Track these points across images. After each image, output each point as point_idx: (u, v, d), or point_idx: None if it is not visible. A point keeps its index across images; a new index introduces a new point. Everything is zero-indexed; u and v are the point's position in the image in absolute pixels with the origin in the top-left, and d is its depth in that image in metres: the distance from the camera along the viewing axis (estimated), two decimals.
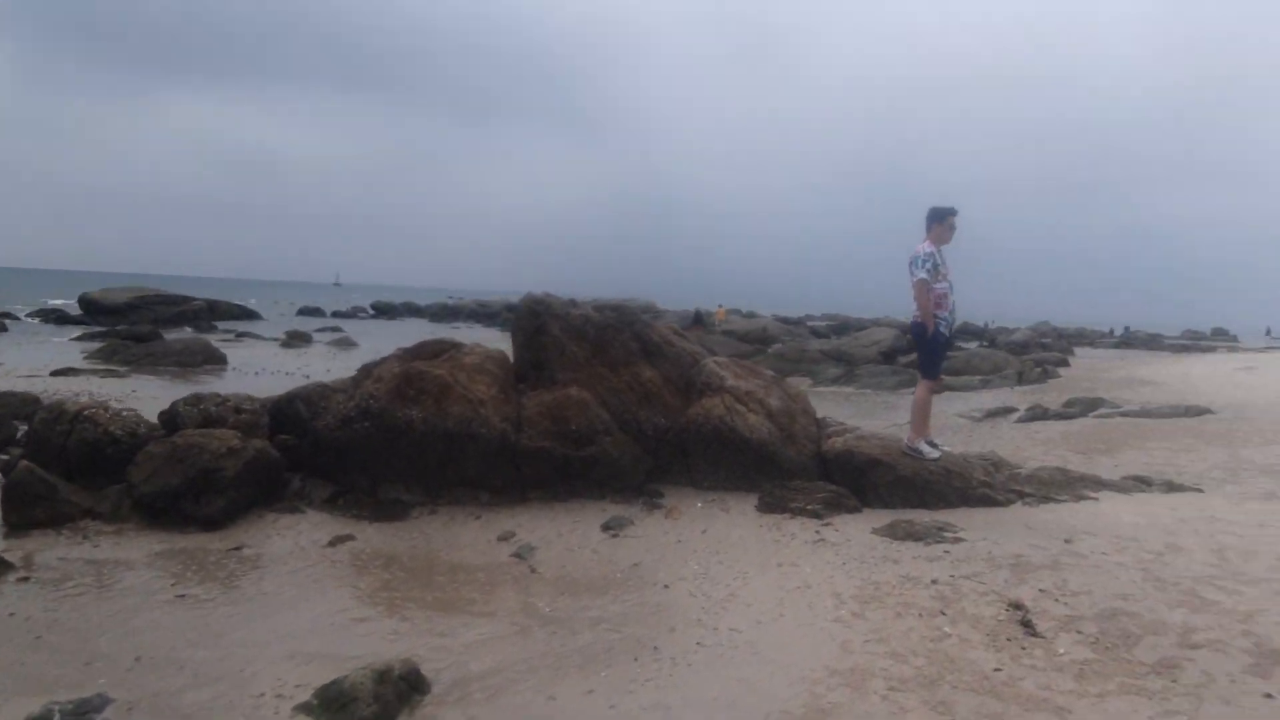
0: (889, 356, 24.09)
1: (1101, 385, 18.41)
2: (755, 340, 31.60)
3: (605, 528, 6.05)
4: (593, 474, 6.81)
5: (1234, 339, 75.81)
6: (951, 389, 19.15)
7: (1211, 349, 52.23)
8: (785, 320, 51.94)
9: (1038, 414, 13.36)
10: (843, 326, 47.95)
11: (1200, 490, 6.88)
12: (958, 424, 13.16)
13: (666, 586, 4.87)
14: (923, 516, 5.80)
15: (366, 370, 7.54)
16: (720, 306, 44.94)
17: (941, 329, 6.38)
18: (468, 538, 6.05)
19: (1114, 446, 9.50)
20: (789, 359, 23.30)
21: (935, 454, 6.34)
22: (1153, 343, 59.83)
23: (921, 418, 6.45)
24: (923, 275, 6.22)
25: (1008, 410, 14.32)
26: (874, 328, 32.47)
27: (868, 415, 14.52)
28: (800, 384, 21.02)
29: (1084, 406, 14.08)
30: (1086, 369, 24.75)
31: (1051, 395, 16.81)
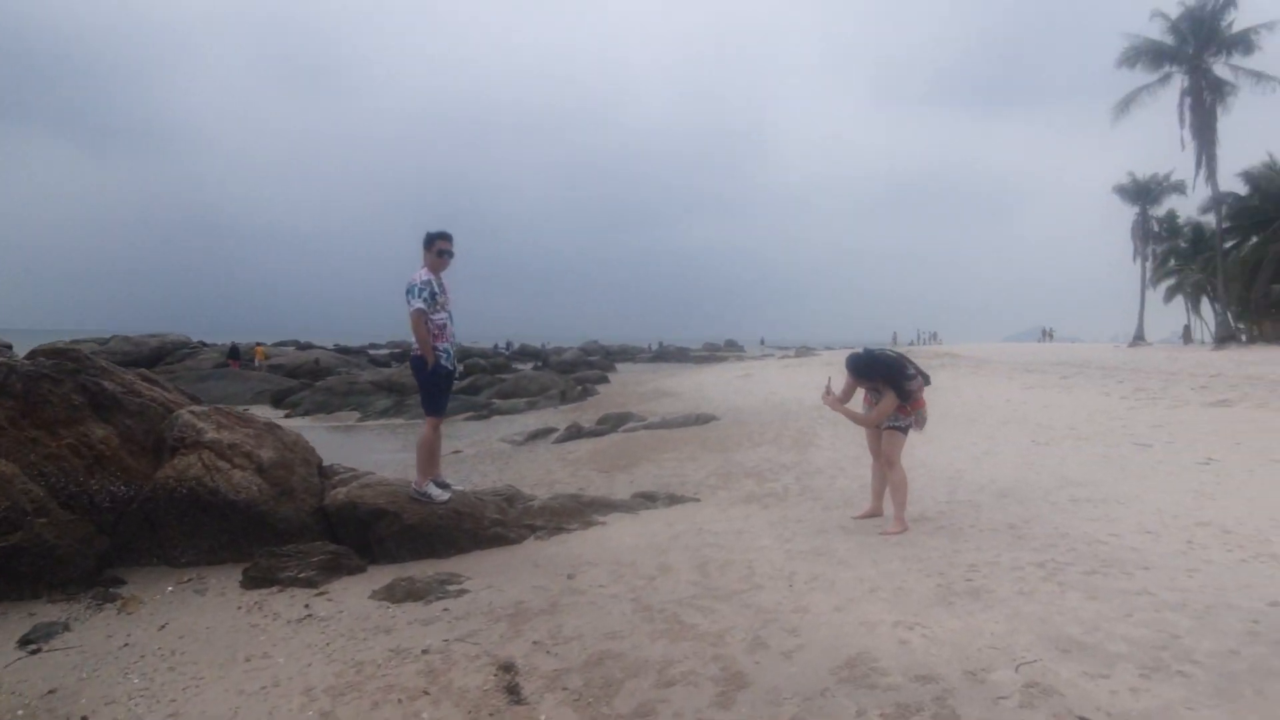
0: None
1: (633, 399, 20.00)
2: (305, 374, 29.47)
3: (24, 642, 4.63)
4: (19, 568, 5.26)
5: (741, 349, 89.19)
6: (500, 412, 19.42)
7: (724, 359, 60.80)
8: (345, 350, 49.58)
9: (573, 433, 13.91)
10: (406, 354, 47.11)
11: (698, 500, 7.39)
12: (500, 449, 13.17)
13: (85, 719, 3.75)
14: (430, 569, 5.32)
15: None
16: (259, 345, 41.50)
17: (444, 362, 6.00)
18: None
19: (633, 461, 10.05)
20: (337, 392, 21.92)
21: (445, 495, 5.92)
22: (681, 355, 68.12)
23: (428, 458, 6.01)
24: (419, 305, 5.77)
25: (548, 431, 14.73)
26: None
27: (415, 449, 13.98)
28: (348, 418, 19.84)
29: (615, 422, 15.01)
30: (623, 384, 26.93)
31: (589, 413, 17.79)
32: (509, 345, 73.22)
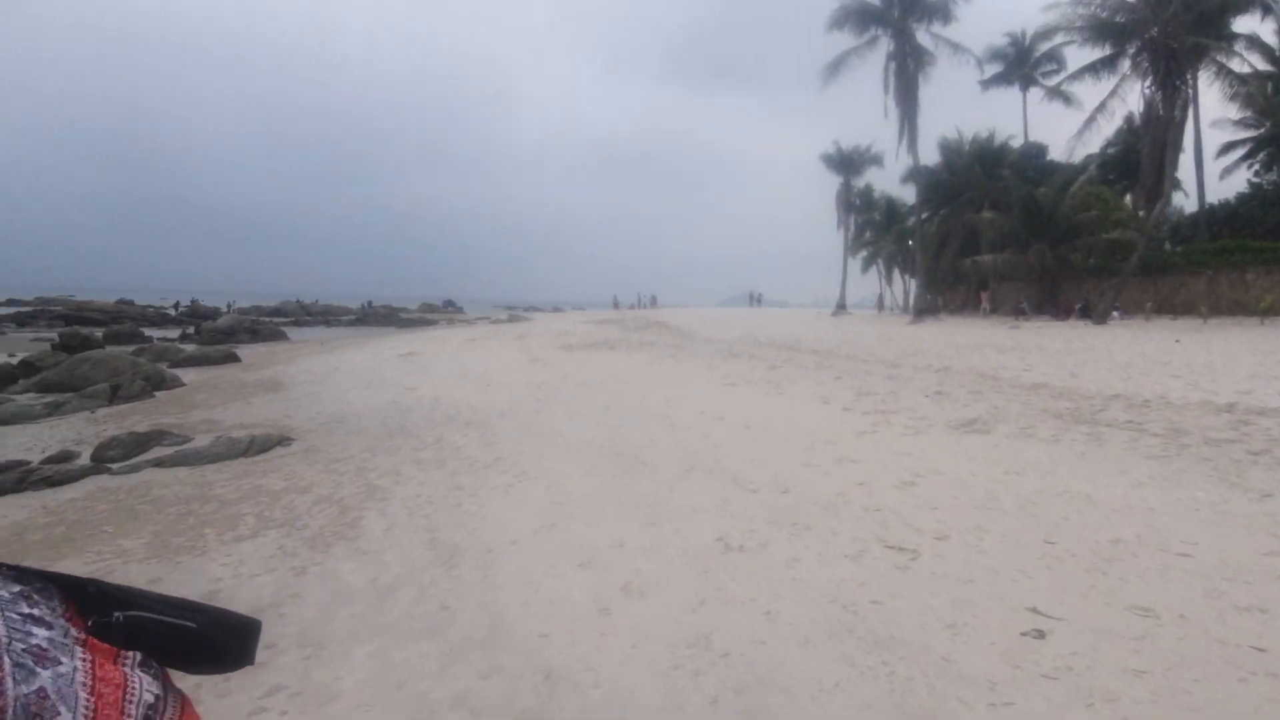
0: None
1: (225, 395, 14.47)
2: None
3: None
4: None
5: (460, 310, 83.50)
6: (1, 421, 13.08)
7: (434, 322, 55.11)
8: None
9: (27, 476, 8.36)
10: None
11: None
12: None
13: None
14: None
15: None
16: None
17: None
18: None
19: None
20: None
21: None
22: (389, 318, 61.24)
23: None
24: None
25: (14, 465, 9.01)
26: None
27: None
28: None
29: (129, 448, 9.65)
30: (254, 362, 20.94)
31: (136, 419, 12.15)
32: (180, 304, 62.19)
